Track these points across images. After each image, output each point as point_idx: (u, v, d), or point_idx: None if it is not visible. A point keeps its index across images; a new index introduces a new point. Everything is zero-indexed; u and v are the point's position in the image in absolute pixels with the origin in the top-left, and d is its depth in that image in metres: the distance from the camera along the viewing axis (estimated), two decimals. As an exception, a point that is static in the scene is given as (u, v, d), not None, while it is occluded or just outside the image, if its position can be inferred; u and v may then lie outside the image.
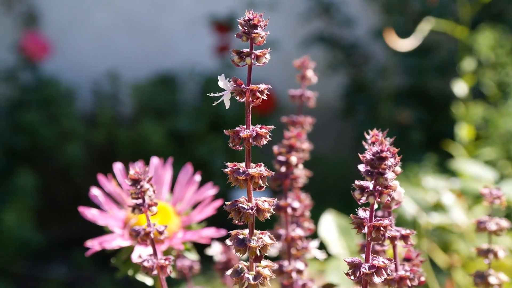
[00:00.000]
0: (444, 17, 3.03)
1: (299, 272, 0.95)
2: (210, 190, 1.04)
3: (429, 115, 3.60)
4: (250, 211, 0.74)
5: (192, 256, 1.02)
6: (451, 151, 2.13)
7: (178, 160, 3.25)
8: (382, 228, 0.71)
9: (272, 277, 0.76)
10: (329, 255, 1.48)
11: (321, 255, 1.00)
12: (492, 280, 0.96)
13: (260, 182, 0.74)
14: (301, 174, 1.05)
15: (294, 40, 3.70)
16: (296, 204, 0.97)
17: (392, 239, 0.81)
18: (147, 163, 1.05)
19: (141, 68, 3.58)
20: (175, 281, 1.16)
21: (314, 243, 1.00)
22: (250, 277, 0.75)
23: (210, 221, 1.05)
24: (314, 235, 1.51)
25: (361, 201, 0.70)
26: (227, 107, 0.74)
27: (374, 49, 3.68)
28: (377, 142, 0.80)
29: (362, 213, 0.71)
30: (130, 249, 0.98)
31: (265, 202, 0.75)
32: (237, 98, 0.74)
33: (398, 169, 0.81)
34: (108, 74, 3.50)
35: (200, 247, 1.12)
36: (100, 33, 3.65)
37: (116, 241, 0.98)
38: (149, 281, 0.99)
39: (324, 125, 3.86)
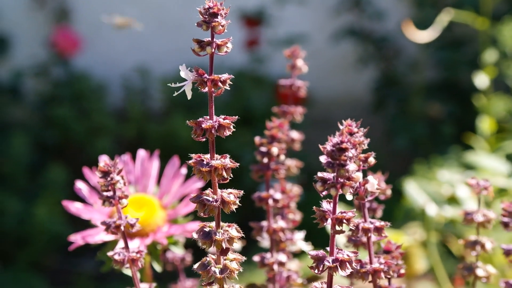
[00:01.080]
0: (477, 9, 2.99)
1: (281, 264, 0.94)
2: (197, 183, 1.03)
3: (461, 108, 3.56)
4: (214, 203, 0.73)
5: (178, 250, 1.02)
6: (473, 144, 2.10)
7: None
8: (345, 221, 0.69)
9: (239, 270, 0.76)
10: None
11: (307, 246, 1.00)
12: (480, 272, 0.95)
13: (224, 173, 0.73)
14: (292, 164, 1.05)
15: (324, 33, 3.68)
16: (278, 196, 0.96)
17: (366, 231, 0.80)
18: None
19: (171, 63, 3.58)
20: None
21: (299, 235, 0.99)
22: (217, 271, 0.75)
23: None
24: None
25: (323, 193, 0.69)
26: (188, 97, 0.74)
27: (405, 42, 3.64)
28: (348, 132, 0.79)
29: (326, 205, 0.70)
30: (114, 243, 0.98)
31: (231, 194, 0.74)
32: (199, 88, 0.73)
33: (372, 160, 0.80)
34: (138, 69, 3.52)
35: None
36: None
37: (99, 235, 0.98)
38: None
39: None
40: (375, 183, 0.79)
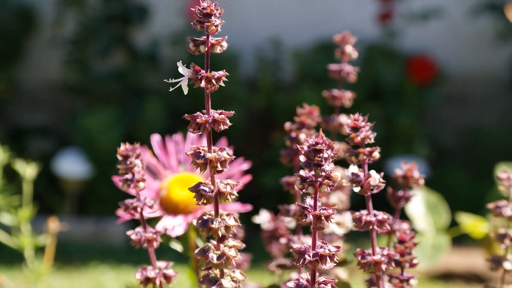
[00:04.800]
0: None
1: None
2: (242, 165, 1.07)
3: None
4: (210, 194, 0.77)
5: (221, 229, 1.06)
6: None
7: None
8: (323, 218, 0.72)
9: (237, 257, 0.79)
10: (414, 231, 1.48)
11: (339, 230, 1.02)
12: (507, 265, 0.95)
13: (219, 166, 0.76)
14: (341, 148, 1.08)
15: (462, 7, 3.60)
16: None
17: (368, 224, 0.82)
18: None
19: (303, 35, 3.62)
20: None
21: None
22: (214, 257, 0.78)
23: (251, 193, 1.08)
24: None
25: (303, 191, 0.72)
26: (185, 92, 0.77)
27: (546, 18, 3.52)
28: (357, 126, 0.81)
29: (309, 201, 0.73)
30: (159, 218, 1.03)
31: (228, 185, 0.77)
32: (195, 84, 0.77)
33: (376, 154, 0.82)
34: (271, 40, 3.56)
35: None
36: (265, -1, 3.73)
37: (145, 211, 1.03)
38: (179, 247, 1.04)
39: (491, 97, 3.75)
40: (377, 178, 0.81)
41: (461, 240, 2.53)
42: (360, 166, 0.83)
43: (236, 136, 3.39)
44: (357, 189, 0.82)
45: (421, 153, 3.38)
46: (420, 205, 1.51)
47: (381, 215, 0.82)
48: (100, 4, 3.57)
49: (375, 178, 0.80)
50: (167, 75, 3.55)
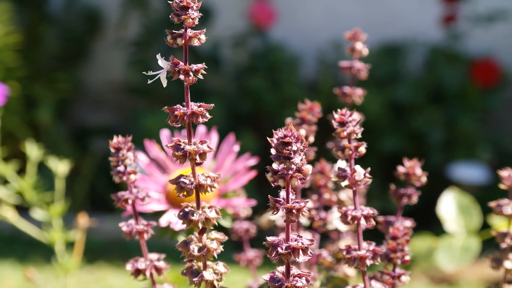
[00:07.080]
0: None
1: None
2: (249, 161, 1.07)
3: None
4: (190, 186, 0.77)
5: (226, 223, 1.06)
6: None
7: (394, 130, 3.25)
8: (295, 211, 0.71)
9: (218, 250, 0.79)
10: (444, 232, 1.47)
11: (343, 227, 1.01)
12: (508, 265, 0.94)
13: (198, 158, 0.76)
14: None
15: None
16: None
17: (354, 218, 0.81)
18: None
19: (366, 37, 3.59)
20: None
21: (335, 215, 1.01)
22: (195, 249, 0.79)
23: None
24: (433, 212, 1.50)
25: (274, 183, 0.71)
26: (164, 85, 0.78)
27: None
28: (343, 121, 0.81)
29: (283, 193, 0.72)
30: (164, 212, 1.04)
31: (208, 178, 0.77)
32: (173, 76, 0.77)
33: (362, 149, 0.81)
34: (332, 43, 3.55)
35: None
36: (326, 1, 3.71)
37: (151, 205, 1.04)
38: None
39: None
40: (362, 173, 0.80)
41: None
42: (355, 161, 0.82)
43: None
44: (344, 184, 0.81)
45: (484, 158, 3.33)
46: (452, 207, 1.49)
47: (367, 210, 0.81)
48: (163, 6, 3.61)
49: (360, 173, 0.80)
50: (228, 77, 3.57)
